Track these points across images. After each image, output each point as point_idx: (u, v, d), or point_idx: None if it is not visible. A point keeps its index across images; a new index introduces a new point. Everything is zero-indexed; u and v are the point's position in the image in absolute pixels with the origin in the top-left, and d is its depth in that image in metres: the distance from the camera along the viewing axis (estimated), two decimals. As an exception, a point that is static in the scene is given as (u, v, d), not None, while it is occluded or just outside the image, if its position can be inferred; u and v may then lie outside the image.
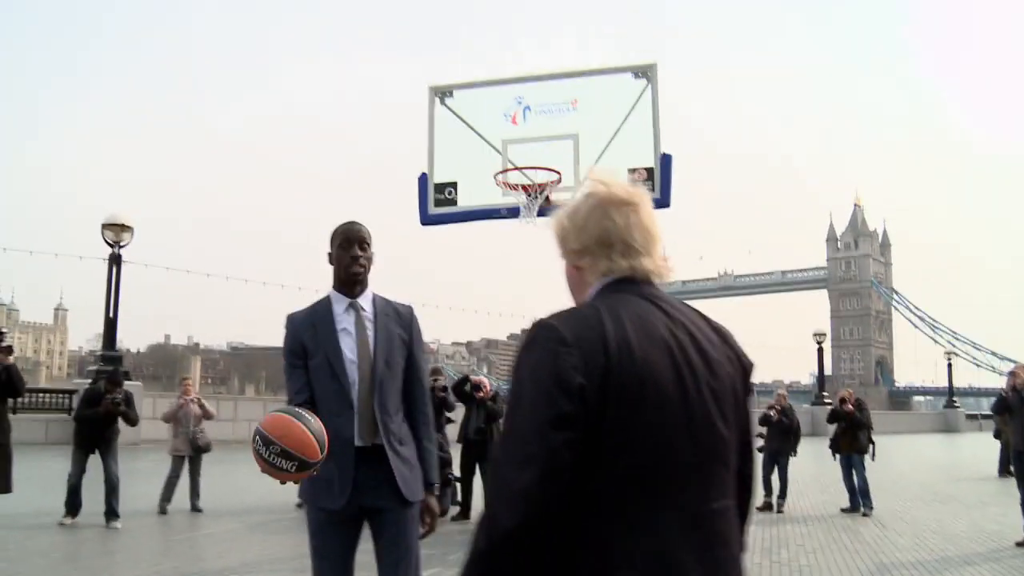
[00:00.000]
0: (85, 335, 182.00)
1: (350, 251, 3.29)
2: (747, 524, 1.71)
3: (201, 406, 10.88)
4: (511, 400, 1.48)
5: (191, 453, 10.46)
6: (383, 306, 3.39)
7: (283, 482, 2.90)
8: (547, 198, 8.00)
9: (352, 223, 3.36)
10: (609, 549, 1.43)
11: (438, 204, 8.53)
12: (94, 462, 8.99)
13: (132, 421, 9.45)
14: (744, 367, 1.67)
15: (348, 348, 3.24)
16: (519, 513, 1.39)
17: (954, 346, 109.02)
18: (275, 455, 2.72)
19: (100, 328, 20.85)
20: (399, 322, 3.37)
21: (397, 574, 3.17)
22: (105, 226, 19.79)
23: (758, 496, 11.67)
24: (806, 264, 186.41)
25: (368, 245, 3.33)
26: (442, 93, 8.54)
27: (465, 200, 8.52)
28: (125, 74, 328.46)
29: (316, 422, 2.83)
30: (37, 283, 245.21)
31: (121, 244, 19.91)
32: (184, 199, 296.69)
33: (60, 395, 22.01)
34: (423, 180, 8.58)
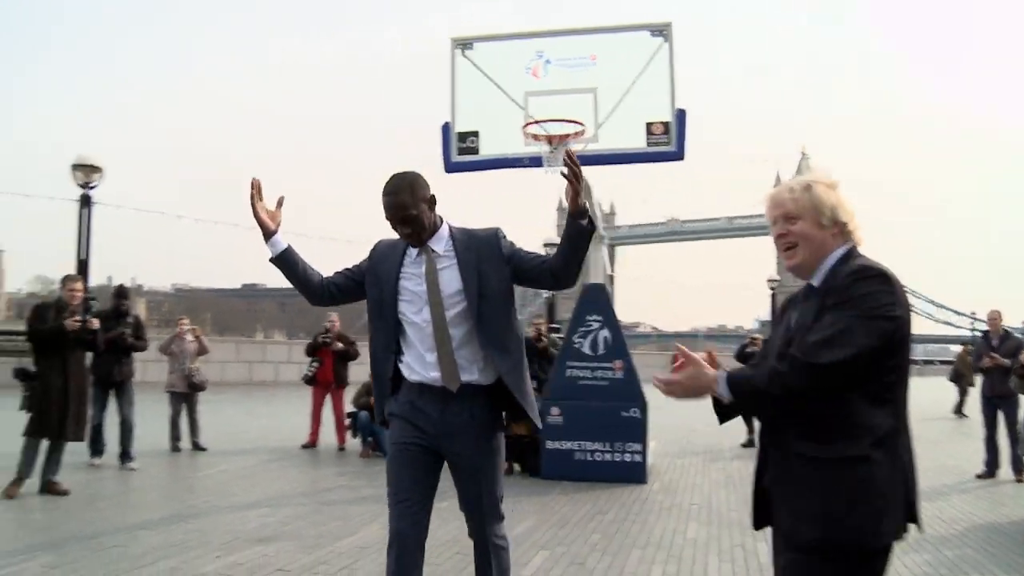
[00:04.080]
0: (25, 277, 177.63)
1: (394, 227, 3.31)
2: None
3: (197, 339, 11.07)
4: (853, 306, 2.18)
5: (186, 390, 10.67)
6: (464, 240, 3.39)
7: None
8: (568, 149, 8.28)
9: (389, 192, 3.25)
10: (893, 424, 2.23)
11: (461, 152, 8.75)
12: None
13: (139, 348, 9.32)
14: None
15: (410, 293, 3.33)
16: (850, 357, 2.13)
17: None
18: None
19: (39, 270, 20.57)
20: (483, 250, 3.36)
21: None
22: (75, 167, 19.53)
23: (742, 433, 12.32)
24: (753, 212, 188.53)
25: (411, 216, 3.23)
26: (463, 44, 8.69)
27: (487, 149, 8.75)
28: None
29: None
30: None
31: (91, 185, 19.73)
32: (153, 136, 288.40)
33: (7, 337, 21.75)
34: (446, 129, 8.79)
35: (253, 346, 27.88)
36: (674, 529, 6.62)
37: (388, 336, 3.40)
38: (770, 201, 2.43)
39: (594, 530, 6.50)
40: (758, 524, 2.47)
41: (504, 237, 3.41)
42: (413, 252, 3.36)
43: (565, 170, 3.06)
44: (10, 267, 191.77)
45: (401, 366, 3.41)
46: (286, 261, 3.42)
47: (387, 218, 3.26)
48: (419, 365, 3.34)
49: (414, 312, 3.32)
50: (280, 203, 3.46)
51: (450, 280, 3.31)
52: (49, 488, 7.37)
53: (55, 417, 7.29)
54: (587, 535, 6.32)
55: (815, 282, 2.36)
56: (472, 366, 3.33)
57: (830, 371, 2.12)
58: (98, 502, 7.29)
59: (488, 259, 3.34)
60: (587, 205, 3.15)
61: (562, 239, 3.21)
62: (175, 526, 6.35)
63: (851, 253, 2.34)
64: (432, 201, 3.32)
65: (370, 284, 3.42)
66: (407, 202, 3.22)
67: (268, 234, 3.39)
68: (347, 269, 3.50)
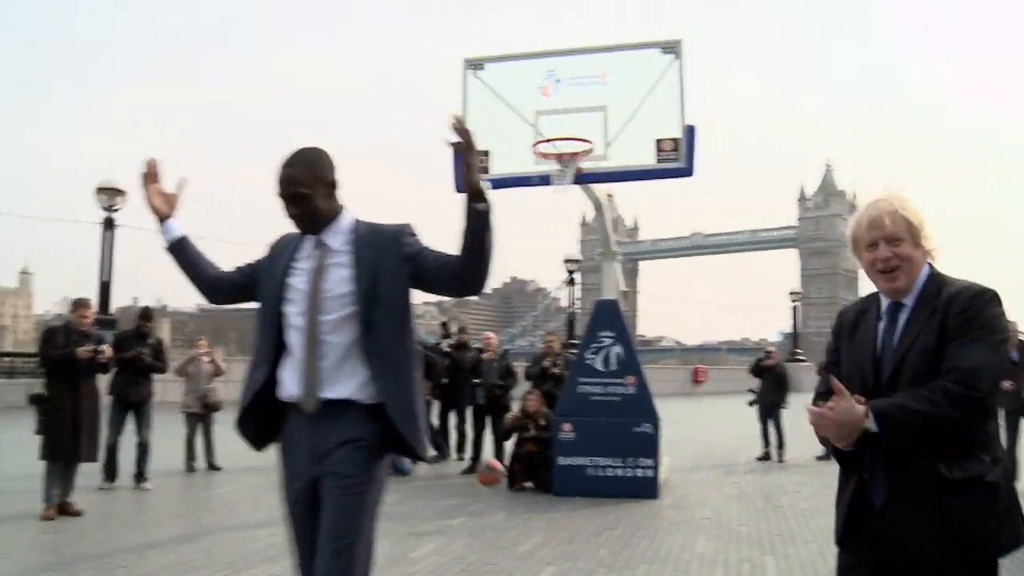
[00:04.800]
0: (51, 299, 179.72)
1: (283, 207, 2.88)
2: None
3: (213, 362, 11.14)
4: (990, 332, 2.27)
5: (202, 411, 10.72)
6: (366, 235, 2.90)
7: None
8: (577, 167, 8.36)
9: (283, 164, 2.86)
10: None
11: (471, 172, 8.80)
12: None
13: (160, 369, 9.33)
14: None
15: (296, 292, 2.86)
16: (989, 390, 2.23)
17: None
18: None
19: (66, 292, 20.83)
20: (384, 247, 2.86)
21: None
22: (99, 190, 19.96)
23: (756, 447, 12.29)
24: (776, 224, 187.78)
25: (301, 194, 2.80)
26: (475, 65, 8.80)
27: (497, 168, 8.79)
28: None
29: None
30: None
31: (114, 208, 20.13)
32: (173, 159, 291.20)
33: (29, 359, 21.31)
34: (456, 149, 8.84)
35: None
36: (682, 544, 6.63)
37: (267, 342, 2.90)
38: (867, 223, 2.41)
39: (602, 545, 6.53)
40: (843, 543, 2.46)
41: (411, 234, 2.91)
42: (309, 246, 2.91)
43: (453, 139, 2.69)
44: (40, 289, 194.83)
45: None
46: (181, 251, 3.07)
47: (277, 195, 2.85)
48: (288, 379, 2.85)
49: (297, 314, 2.83)
50: (181, 186, 3.14)
51: (340, 279, 2.83)
52: (63, 509, 7.40)
53: (68, 439, 7.35)
54: (595, 551, 6.34)
55: (908, 301, 2.38)
56: (350, 381, 2.79)
57: (985, 401, 2.22)
58: (109, 522, 7.36)
59: (388, 258, 2.84)
60: (481, 184, 2.70)
61: (461, 232, 2.73)
62: (184, 546, 6.41)
63: (935, 271, 2.40)
64: (333, 185, 2.88)
65: (261, 281, 2.98)
66: (300, 177, 2.80)
67: (161, 218, 3.07)
68: (247, 264, 3.09)
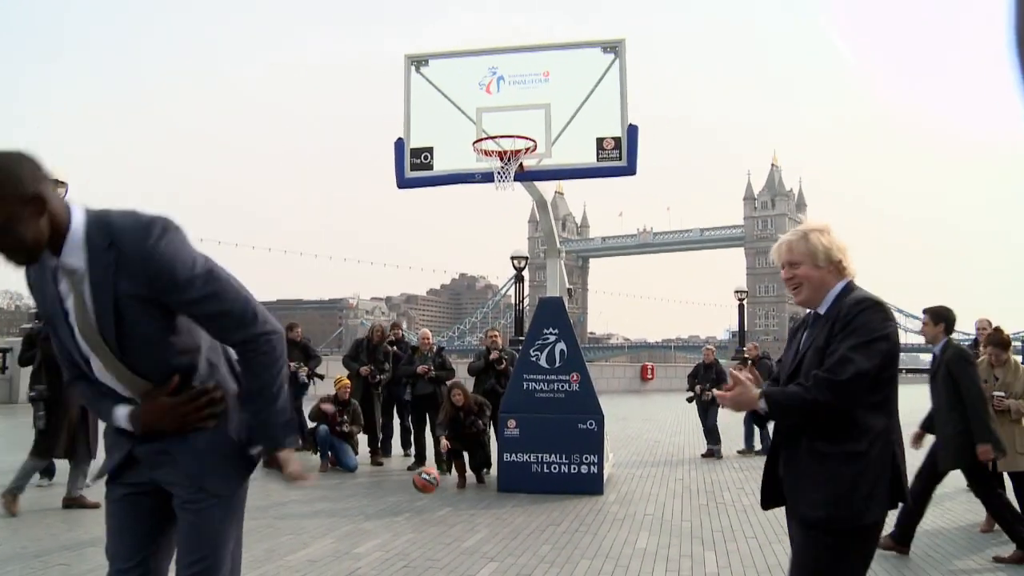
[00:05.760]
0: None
1: None
2: None
3: None
4: (863, 333, 2.75)
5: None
6: (100, 239, 2.28)
7: None
8: (521, 164, 8.38)
9: None
10: (887, 424, 2.79)
11: (414, 168, 8.79)
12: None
13: None
14: None
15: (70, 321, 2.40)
16: (851, 376, 2.68)
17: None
18: None
19: (9, 285, 20.29)
20: (122, 268, 2.28)
21: None
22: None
23: (701, 444, 12.46)
24: (724, 223, 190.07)
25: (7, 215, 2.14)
26: (417, 62, 8.76)
27: (441, 165, 8.80)
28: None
29: None
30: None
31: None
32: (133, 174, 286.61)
33: None
34: (399, 145, 8.82)
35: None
36: (625, 540, 6.69)
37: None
38: (776, 251, 3.03)
39: (545, 541, 6.56)
40: (766, 505, 3.07)
41: (150, 244, 2.28)
42: (50, 265, 2.35)
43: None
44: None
45: None
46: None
47: None
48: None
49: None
50: None
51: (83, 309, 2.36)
52: (77, 503, 7.58)
53: (63, 436, 7.58)
54: (537, 547, 6.37)
55: (821, 311, 2.93)
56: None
57: (848, 385, 2.68)
58: (47, 519, 7.22)
59: (133, 276, 2.29)
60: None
61: (248, 396, 2.49)
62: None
63: (849, 286, 2.91)
64: (37, 201, 2.17)
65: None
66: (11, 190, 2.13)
67: None
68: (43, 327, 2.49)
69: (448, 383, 9.80)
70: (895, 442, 2.80)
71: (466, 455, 9.35)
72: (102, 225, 2.28)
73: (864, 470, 2.72)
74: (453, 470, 9.35)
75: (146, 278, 2.27)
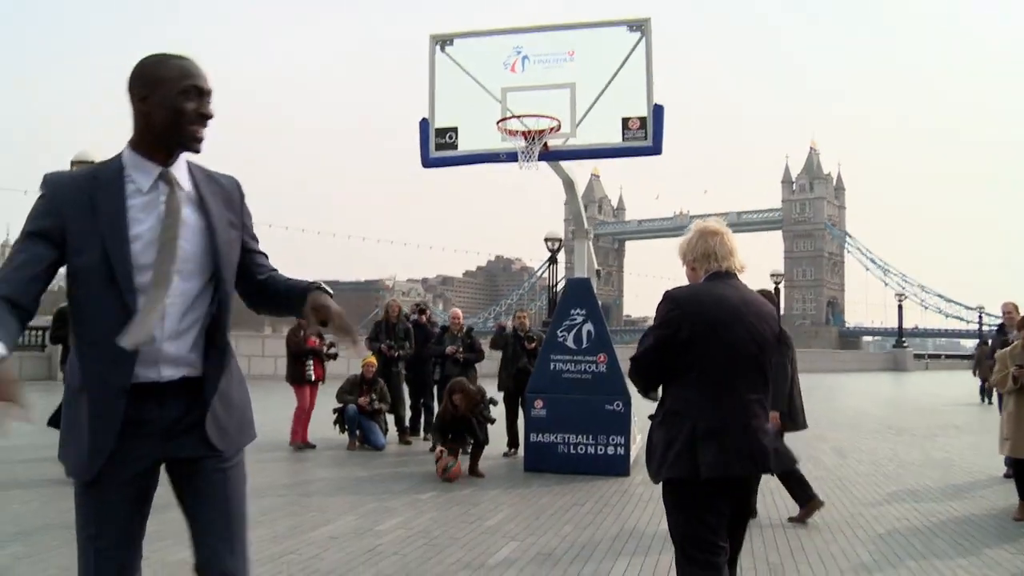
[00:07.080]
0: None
1: (200, 105, 2.23)
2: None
3: None
4: (654, 320, 3.27)
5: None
6: (204, 180, 2.34)
7: None
8: (545, 144, 8.34)
9: (183, 56, 2.25)
10: (689, 399, 3.14)
11: (439, 148, 8.76)
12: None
13: None
14: (773, 328, 3.28)
15: (142, 244, 2.18)
16: (639, 355, 3.23)
17: (904, 288, 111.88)
18: None
19: None
20: (226, 202, 2.38)
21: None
22: (74, 163, 19.79)
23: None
24: (762, 206, 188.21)
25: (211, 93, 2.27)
26: (442, 41, 8.72)
27: (465, 144, 8.76)
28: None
29: None
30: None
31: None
32: None
33: (31, 331, 21.69)
34: (424, 125, 8.80)
35: (252, 340, 27.85)
36: (648, 521, 6.67)
37: (120, 313, 2.17)
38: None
39: (568, 521, 6.56)
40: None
41: (244, 194, 2.49)
42: (134, 184, 2.21)
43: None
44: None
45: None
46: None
47: (184, 89, 2.19)
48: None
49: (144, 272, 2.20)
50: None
51: (192, 233, 2.26)
52: None
53: None
54: (560, 527, 6.38)
55: None
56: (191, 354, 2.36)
57: (634, 362, 3.23)
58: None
59: (235, 215, 2.41)
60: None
61: (285, 292, 2.47)
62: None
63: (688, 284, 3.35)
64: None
65: (73, 246, 2.17)
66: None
67: None
68: (28, 241, 2.15)
69: (451, 382, 9.35)
70: (700, 418, 3.08)
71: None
72: (195, 165, 2.38)
73: (658, 438, 3.20)
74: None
75: (240, 211, 2.45)
